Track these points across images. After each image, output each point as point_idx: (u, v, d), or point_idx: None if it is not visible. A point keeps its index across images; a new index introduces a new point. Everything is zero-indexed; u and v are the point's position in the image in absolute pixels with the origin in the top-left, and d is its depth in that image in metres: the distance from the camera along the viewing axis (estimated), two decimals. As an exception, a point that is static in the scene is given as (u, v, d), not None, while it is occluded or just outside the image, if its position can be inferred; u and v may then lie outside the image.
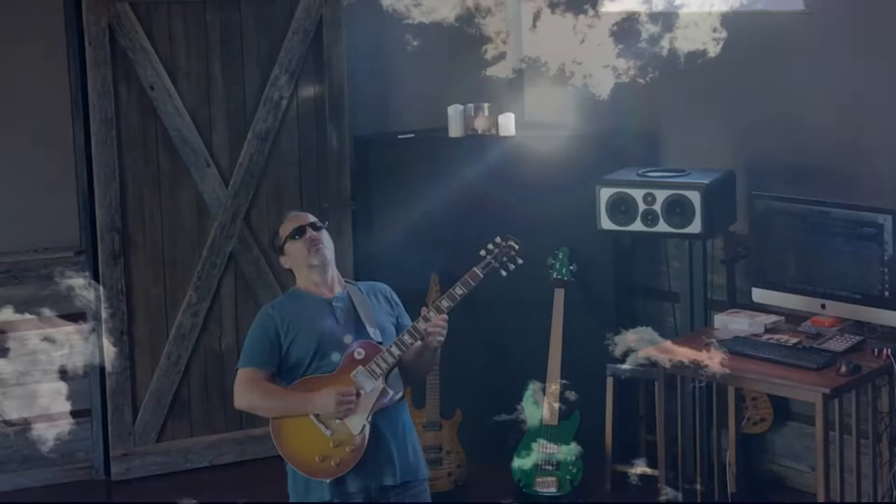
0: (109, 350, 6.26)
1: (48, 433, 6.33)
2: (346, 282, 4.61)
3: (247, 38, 6.37)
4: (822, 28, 5.68)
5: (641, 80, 5.53)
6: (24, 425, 6.28)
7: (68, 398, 6.34)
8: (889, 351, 5.13)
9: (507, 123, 6.45)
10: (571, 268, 6.16)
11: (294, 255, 4.54)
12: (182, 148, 6.31)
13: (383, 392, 4.44)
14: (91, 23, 6.08)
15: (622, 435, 6.22)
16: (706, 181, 5.64)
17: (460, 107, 6.48)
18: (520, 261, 4.63)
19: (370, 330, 4.48)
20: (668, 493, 5.47)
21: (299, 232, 4.52)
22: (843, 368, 5.00)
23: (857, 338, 5.28)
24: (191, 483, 6.32)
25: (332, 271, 4.56)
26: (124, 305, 6.28)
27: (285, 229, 4.56)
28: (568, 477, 5.94)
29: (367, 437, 4.42)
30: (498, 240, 4.66)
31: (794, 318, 5.54)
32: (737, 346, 5.31)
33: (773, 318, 5.53)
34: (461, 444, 6.06)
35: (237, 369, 4.55)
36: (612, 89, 6.44)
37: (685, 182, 5.67)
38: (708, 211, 5.57)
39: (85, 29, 6.08)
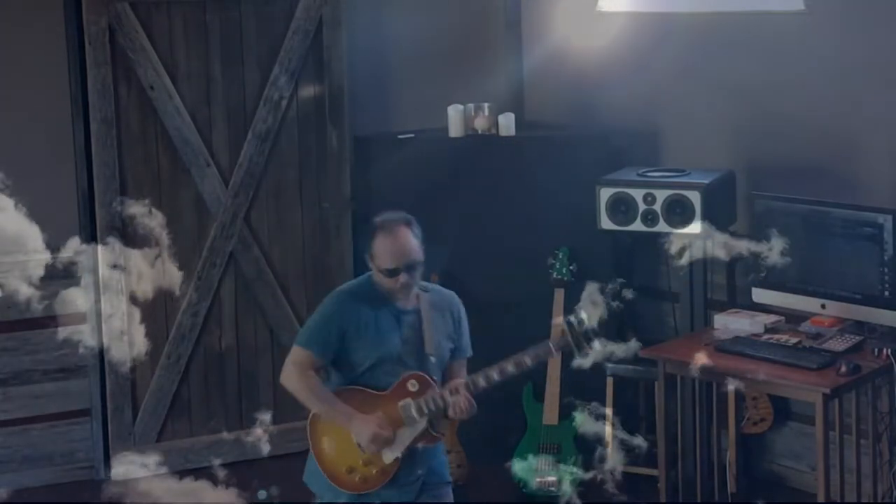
0: (109, 350, 6.27)
1: (48, 433, 6.33)
2: (419, 287, 4.49)
3: (247, 38, 6.37)
4: (822, 28, 5.68)
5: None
6: (24, 425, 6.28)
7: (68, 398, 6.34)
8: (889, 351, 5.13)
9: (507, 123, 6.45)
10: (571, 268, 6.16)
11: (380, 281, 4.43)
12: (182, 148, 6.31)
13: (425, 433, 4.41)
14: (91, 23, 6.08)
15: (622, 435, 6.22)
16: (706, 181, 5.64)
17: (460, 107, 6.48)
18: (597, 345, 4.42)
19: (431, 358, 4.42)
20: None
21: (392, 273, 4.38)
22: (843, 368, 5.01)
23: (857, 338, 5.28)
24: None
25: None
26: (124, 305, 6.27)
27: (382, 257, 4.38)
28: (568, 477, 5.94)
29: (398, 466, 4.39)
30: (582, 316, 4.43)
31: (794, 318, 5.54)
32: (737, 346, 5.32)
33: (773, 318, 5.54)
34: (461, 444, 6.07)
35: (295, 345, 4.47)
36: (604, 83, 6.47)
37: (685, 182, 5.67)
38: (708, 211, 5.57)
39: (85, 29, 6.08)
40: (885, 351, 5.14)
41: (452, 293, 4.63)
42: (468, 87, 6.70)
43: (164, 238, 5.65)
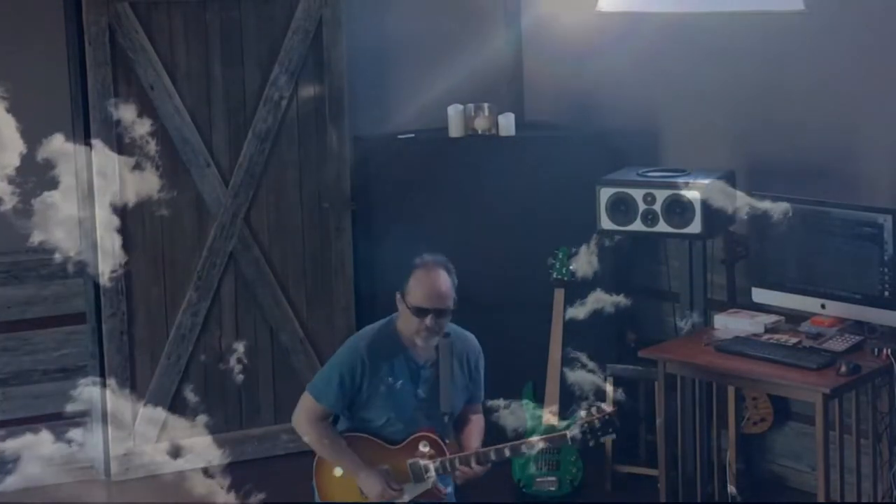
0: (109, 350, 6.26)
1: (48, 433, 6.32)
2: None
3: (247, 38, 6.37)
4: (822, 28, 5.68)
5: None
6: (24, 425, 6.27)
7: (68, 398, 6.33)
8: (889, 351, 5.13)
9: (507, 123, 6.45)
10: (571, 268, 6.15)
11: (406, 320, 4.46)
12: (182, 148, 6.31)
13: (432, 491, 4.44)
14: (91, 23, 6.08)
15: (622, 435, 6.21)
16: (706, 181, 5.64)
17: (460, 107, 6.48)
18: (613, 435, 4.48)
19: (444, 416, 4.48)
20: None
21: (422, 313, 4.41)
22: (843, 368, 5.00)
23: (857, 338, 5.27)
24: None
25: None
26: (124, 305, 6.27)
27: (415, 293, 4.41)
28: (568, 477, 5.94)
29: None
30: (604, 407, 4.49)
31: (794, 318, 5.54)
32: (737, 346, 5.32)
33: (773, 318, 5.53)
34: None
35: (307, 392, 4.53)
36: (604, 83, 6.47)
37: (685, 182, 5.67)
38: (708, 211, 5.57)
39: (85, 29, 6.08)
40: (885, 351, 5.14)
41: (473, 338, 4.67)
42: (468, 87, 6.70)
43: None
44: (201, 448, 6.46)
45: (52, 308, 6.24)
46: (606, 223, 5.78)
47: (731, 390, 5.78)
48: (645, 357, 5.50)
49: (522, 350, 6.24)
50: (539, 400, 6.07)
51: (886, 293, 5.22)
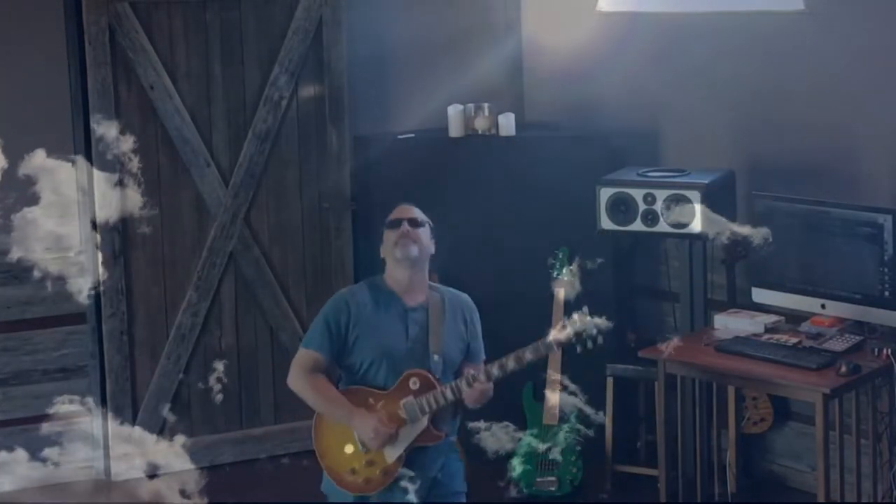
0: (109, 350, 6.26)
1: (48, 433, 6.33)
2: (430, 286, 4.56)
3: (247, 38, 6.37)
4: (822, 28, 5.68)
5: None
6: (24, 425, 6.28)
7: (68, 398, 6.33)
8: (889, 351, 5.13)
9: (507, 123, 6.45)
10: (571, 268, 6.15)
11: (385, 243, 4.56)
12: (182, 148, 6.31)
13: (427, 431, 4.43)
14: (91, 23, 6.08)
15: (622, 435, 6.22)
16: (706, 181, 5.64)
17: (460, 107, 6.48)
18: (600, 340, 4.49)
19: (434, 357, 4.46)
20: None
21: (395, 224, 4.54)
22: (843, 368, 5.01)
23: (857, 338, 5.28)
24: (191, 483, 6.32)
25: (420, 273, 4.54)
26: (124, 305, 6.27)
27: (389, 218, 4.58)
28: (568, 477, 5.94)
29: (401, 464, 4.41)
30: (585, 313, 4.49)
31: (794, 318, 5.54)
32: (737, 346, 5.32)
33: (773, 318, 5.54)
34: (461, 445, 6.06)
35: (300, 347, 4.55)
36: (605, 84, 6.47)
37: (685, 182, 5.67)
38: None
39: (85, 29, 6.08)
40: (885, 351, 5.14)
41: (466, 296, 4.68)
42: (468, 87, 6.70)
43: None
44: (201, 448, 6.48)
45: (52, 308, 6.24)
46: (606, 223, 5.78)
47: (731, 390, 5.78)
48: (645, 357, 5.50)
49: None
50: (539, 400, 6.07)
51: (886, 293, 5.22)
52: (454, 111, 6.47)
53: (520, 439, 5.98)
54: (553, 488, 5.93)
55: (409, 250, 4.49)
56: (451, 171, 6.40)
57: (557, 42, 6.79)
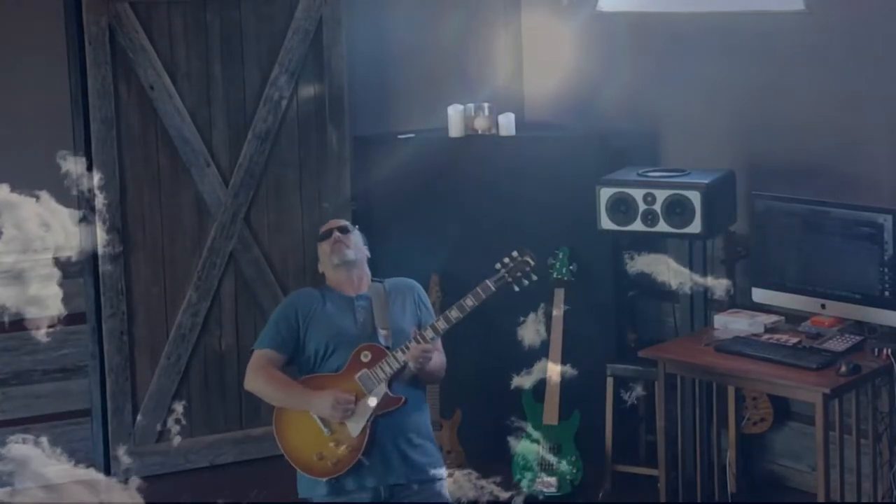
0: (109, 350, 6.26)
1: (48, 433, 6.32)
2: (372, 280, 4.74)
3: (247, 38, 6.37)
4: (822, 28, 5.68)
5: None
6: (24, 425, 6.28)
7: (68, 398, 6.34)
8: (889, 351, 5.13)
9: (507, 123, 6.45)
10: (571, 268, 6.16)
11: (322, 256, 4.78)
12: (182, 148, 6.31)
13: (385, 397, 4.46)
14: (91, 23, 6.08)
15: (622, 435, 6.22)
16: (706, 181, 5.64)
17: (460, 107, 6.48)
18: (534, 277, 4.68)
19: (382, 333, 4.57)
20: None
21: (326, 235, 4.76)
22: (843, 368, 5.01)
23: (857, 338, 5.28)
24: (191, 483, 6.32)
25: (359, 271, 4.74)
26: (124, 305, 6.27)
27: (320, 232, 4.82)
28: (568, 477, 5.94)
29: (366, 438, 4.43)
30: (514, 254, 4.69)
31: (794, 318, 5.54)
32: (737, 346, 5.32)
33: (773, 318, 5.54)
34: (461, 444, 6.07)
35: (252, 350, 4.68)
36: (604, 84, 6.46)
37: (685, 182, 5.67)
38: (708, 211, 5.57)
39: (85, 29, 6.08)
40: (885, 351, 5.14)
41: (409, 279, 4.84)
42: (468, 87, 6.70)
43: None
44: (201, 448, 6.48)
45: (52, 307, 6.22)
46: (606, 223, 5.78)
47: (731, 390, 5.78)
48: (645, 357, 5.50)
49: (522, 350, 6.24)
50: (539, 400, 6.07)
51: (886, 293, 5.22)
52: (454, 111, 6.46)
53: (520, 440, 5.99)
54: (553, 488, 5.93)
55: (344, 254, 4.71)
56: (451, 171, 6.39)
57: (557, 42, 6.79)
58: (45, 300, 5.60)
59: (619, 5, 6.51)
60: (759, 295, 5.64)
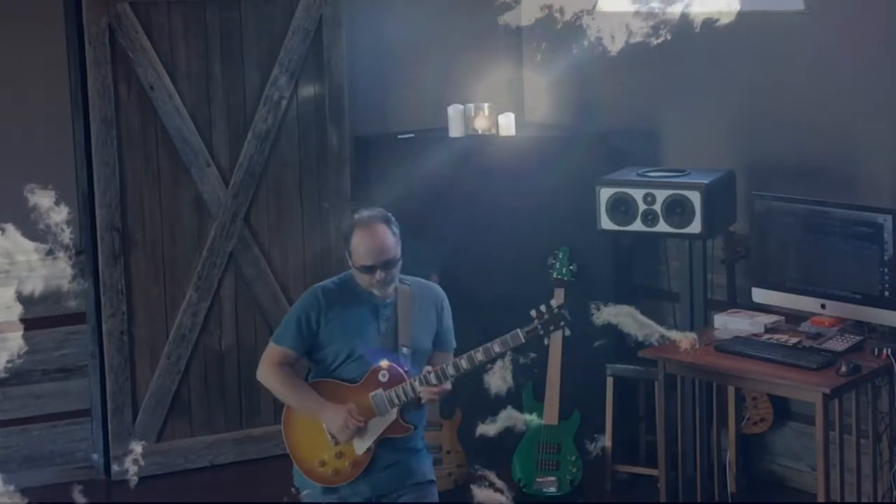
0: (109, 350, 6.26)
1: (48, 433, 6.33)
2: (400, 279, 4.54)
3: (247, 38, 6.37)
4: (822, 28, 5.68)
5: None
6: (24, 425, 6.28)
7: (68, 398, 6.33)
8: (889, 351, 5.13)
9: (507, 123, 6.45)
10: (571, 268, 6.16)
11: (357, 276, 4.49)
12: (182, 148, 6.31)
13: (396, 423, 4.44)
14: (91, 23, 6.08)
15: (622, 435, 6.22)
16: (706, 181, 5.64)
17: (460, 107, 6.48)
18: (568, 332, 4.56)
19: (403, 350, 4.47)
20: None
21: (369, 270, 4.43)
22: (843, 368, 5.00)
23: (857, 338, 5.28)
24: (191, 483, 6.32)
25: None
26: (124, 305, 6.27)
27: (358, 253, 4.43)
28: (568, 477, 5.94)
29: (370, 456, 4.42)
30: (552, 304, 4.54)
31: (794, 318, 5.54)
32: (737, 346, 5.32)
33: (773, 318, 5.54)
34: (461, 444, 6.06)
35: (270, 342, 4.57)
36: (605, 82, 6.45)
37: (685, 182, 5.67)
38: (708, 211, 5.57)
39: (85, 29, 6.08)
40: (885, 351, 5.14)
41: (436, 286, 4.70)
42: (468, 87, 6.70)
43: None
44: (201, 448, 6.48)
45: (52, 308, 6.23)
46: (606, 223, 5.77)
47: (731, 390, 5.78)
48: (645, 357, 5.50)
49: (522, 350, 6.23)
50: (539, 400, 6.07)
51: (886, 293, 5.22)
52: (454, 111, 6.47)
53: (520, 439, 5.99)
54: (553, 488, 5.93)
55: (385, 290, 4.48)
56: (451, 171, 6.39)
57: (557, 42, 6.79)
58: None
59: (619, 5, 6.50)
60: (759, 295, 5.63)
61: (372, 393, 4.44)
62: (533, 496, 5.94)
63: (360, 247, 4.45)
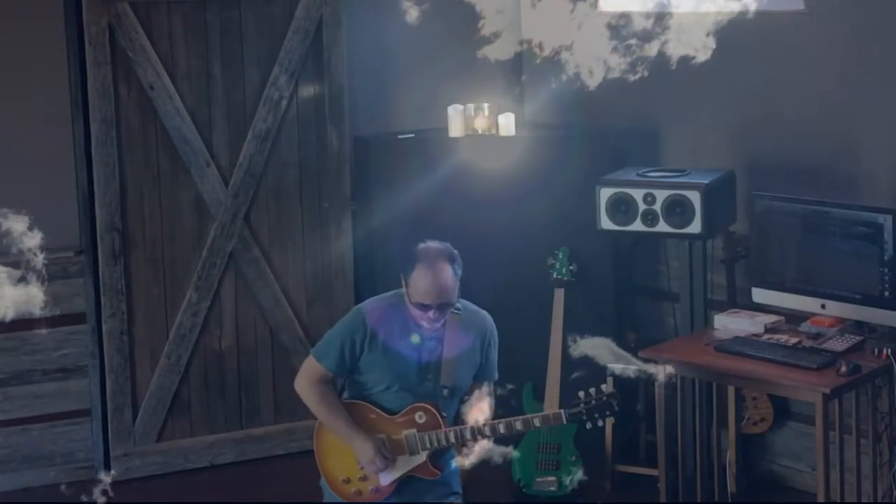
0: (109, 350, 6.26)
1: (48, 433, 6.33)
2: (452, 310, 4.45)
3: (247, 38, 6.37)
4: (822, 28, 5.68)
5: (632, 77, 5.49)
6: (24, 425, 6.28)
7: (68, 398, 6.33)
8: (889, 351, 5.13)
9: (507, 123, 6.45)
10: (571, 268, 6.16)
11: (409, 306, 4.42)
12: (182, 148, 6.31)
13: (424, 465, 4.43)
14: (91, 23, 6.08)
15: (622, 435, 6.22)
16: (706, 181, 5.64)
17: (460, 107, 6.48)
18: (613, 420, 4.53)
19: (443, 391, 4.43)
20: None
21: (424, 308, 4.37)
22: (843, 368, 5.01)
23: (857, 338, 5.28)
24: (191, 483, 6.32)
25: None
26: (124, 305, 6.27)
27: (417, 288, 4.34)
28: (568, 477, 5.94)
29: (393, 488, 4.42)
30: (603, 388, 4.49)
31: (794, 318, 5.54)
32: (737, 346, 5.32)
33: (773, 318, 5.54)
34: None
35: (311, 354, 4.52)
36: (603, 84, 6.44)
37: (685, 182, 5.67)
38: (708, 211, 5.57)
39: (85, 29, 6.08)
40: (885, 351, 5.14)
41: (486, 315, 4.61)
42: (468, 87, 6.70)
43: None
44: (201, 448, 6.48)
45: (52, 308, 6.23)
46: (606, 223, 5.78)
47: (731, 390, 5.78)
48: (645, 357, 5.50)
49: (522, 350, 6.24)
50: (539, 400, 6.07)
51: (886, 293, 5.22)
52: (454, 111, 6.47)
53: (520, 439, 5.99)
54: (553, 488, 5.93)
55: (435, 326, 4.42)
56: (451, 171, 6.39)
57: (557, 42, 6.78)
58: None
59: (618, 5, 6.50)
60: (759, 295, 5.63)
61: (406, 432, 4.41)
62: (533, 496, 5.94)
63: (420, 283, 4.35)
